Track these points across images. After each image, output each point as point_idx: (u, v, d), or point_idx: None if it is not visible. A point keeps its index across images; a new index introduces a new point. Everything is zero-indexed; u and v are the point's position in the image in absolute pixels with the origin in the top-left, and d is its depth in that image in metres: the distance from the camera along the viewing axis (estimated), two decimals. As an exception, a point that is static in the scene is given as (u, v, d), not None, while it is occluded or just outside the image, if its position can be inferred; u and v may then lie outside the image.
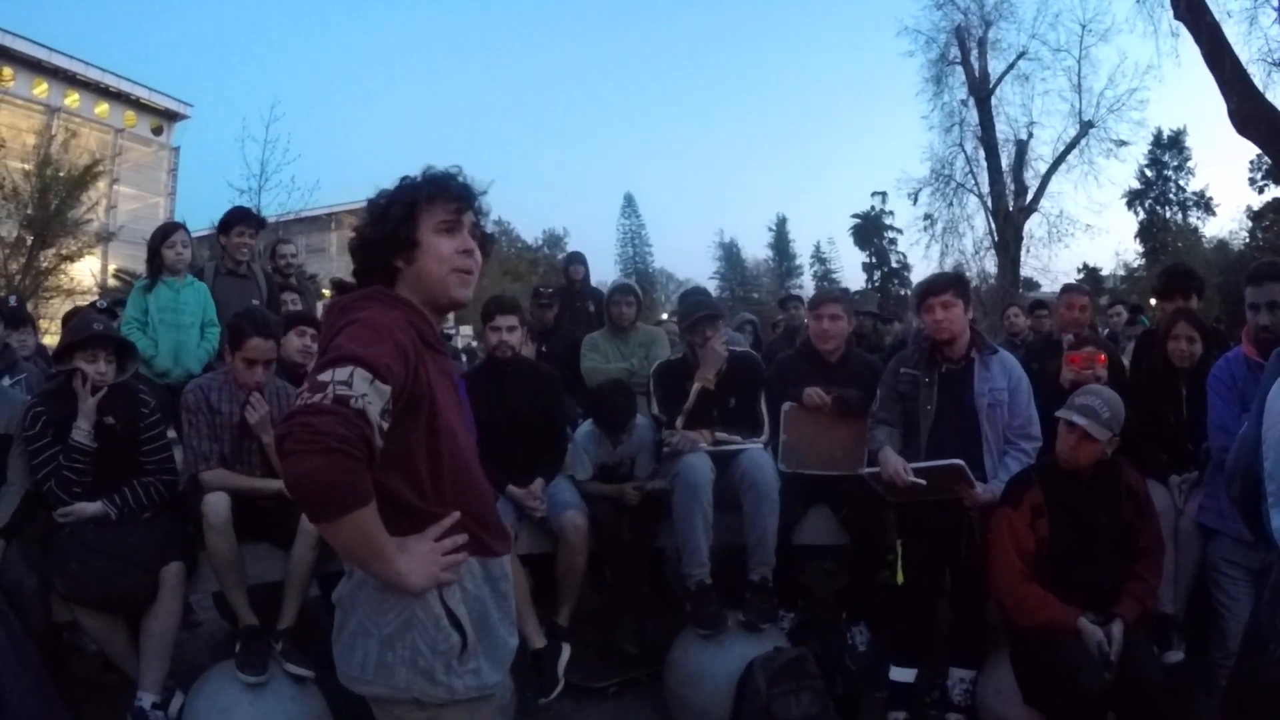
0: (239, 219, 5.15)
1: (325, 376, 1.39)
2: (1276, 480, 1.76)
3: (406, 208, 1.63)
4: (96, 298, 12.83)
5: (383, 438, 1.42)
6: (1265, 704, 1.77)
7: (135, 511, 3.15)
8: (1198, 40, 12.55)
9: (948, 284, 3.53)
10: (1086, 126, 22.57)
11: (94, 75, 28.55)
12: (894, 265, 45.78)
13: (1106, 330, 6.85)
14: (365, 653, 1.59)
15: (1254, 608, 1.98)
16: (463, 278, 1.66)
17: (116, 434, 3.20)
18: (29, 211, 18.27)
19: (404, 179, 1.69)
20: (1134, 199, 35.01)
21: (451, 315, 2.63)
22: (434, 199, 1.65)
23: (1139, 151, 28.41)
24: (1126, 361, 4.28)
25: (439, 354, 1.68)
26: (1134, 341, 5.02)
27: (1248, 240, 30.02)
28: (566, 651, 3.43)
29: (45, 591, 2.99)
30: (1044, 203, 23.27)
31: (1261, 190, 30.10)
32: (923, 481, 3.24)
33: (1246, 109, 11.89)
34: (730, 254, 54.05)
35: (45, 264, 18.82)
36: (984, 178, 23.75)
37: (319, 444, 1.33)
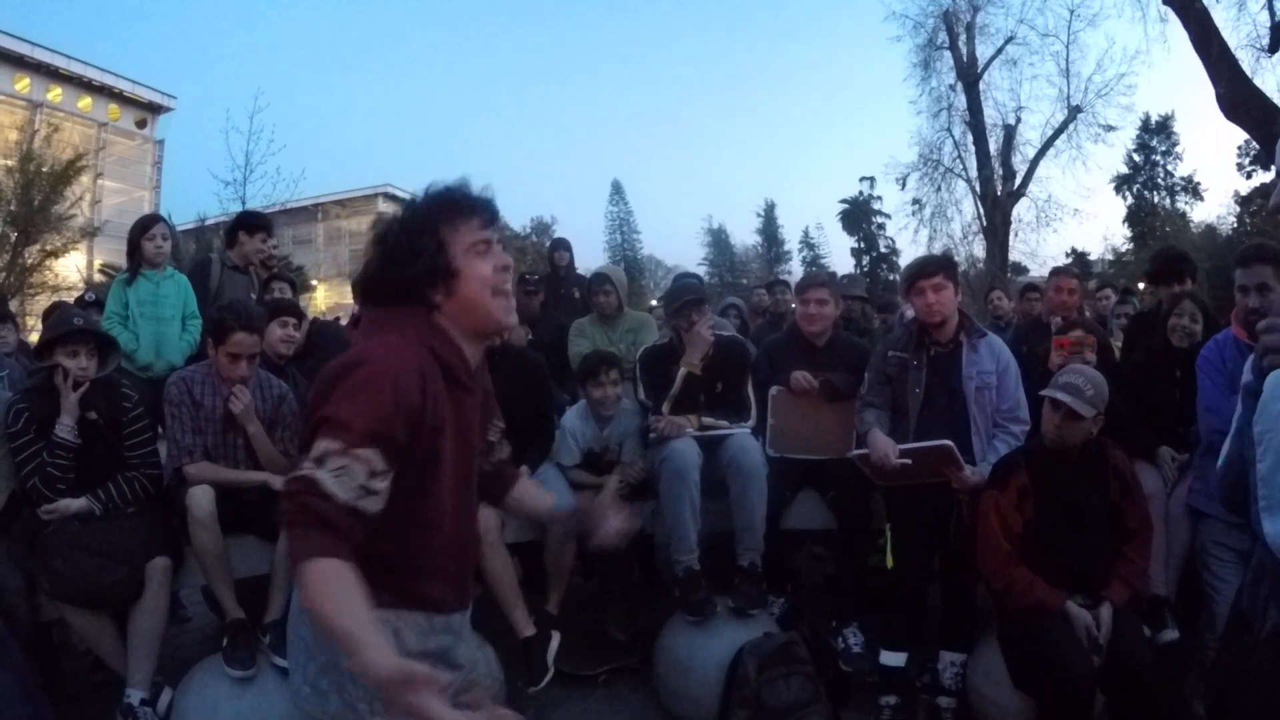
0: (262, 226, 5.12)
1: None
2: (1271, 485, 1.71)
3: (434, 237, 1.48)
4: (82, 291, 12.74)
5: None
6: (1251, 685, 1.76)
7: (120, 507, 3.11)
8: (1186, 25, 12.59)
9: (938, 266, 3.52)
10: (1074, 111, 22.64)
11: (76, 69, 28.37)
12: (883, 250, 45.87)
13: (1094, 313, 6.84)
14: (304, 672, 1.52)
15: (1238, 590, 1.97)
16: (506, 300, 1.55)
17: (100, 429, 3.16)
18: (12, 208, 18.22)
19: (408, 205, 1.54)
20: (1122, 184, 35.14)
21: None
22: (456, 219, 1.51)
23: (1127, 136, 28.63)
24: (1115, 344, 4.27)
25: (468, 393, 1.55)
26: (1125, 320, 5.02)
27: (1236, 225, 30.22)
28: (556, 640, 3.43)
29: (32, 590, 2.96)
30: (1032, 187, 23.45)
31: (1249, 175, 30.29)
32: (909, 461, 3.24)
33: (1234, 94, 11.92)
34: (719, 240, 53.97)
35: (30, 260, 18.76)
36: (972, 162, 23.87)
37: None
